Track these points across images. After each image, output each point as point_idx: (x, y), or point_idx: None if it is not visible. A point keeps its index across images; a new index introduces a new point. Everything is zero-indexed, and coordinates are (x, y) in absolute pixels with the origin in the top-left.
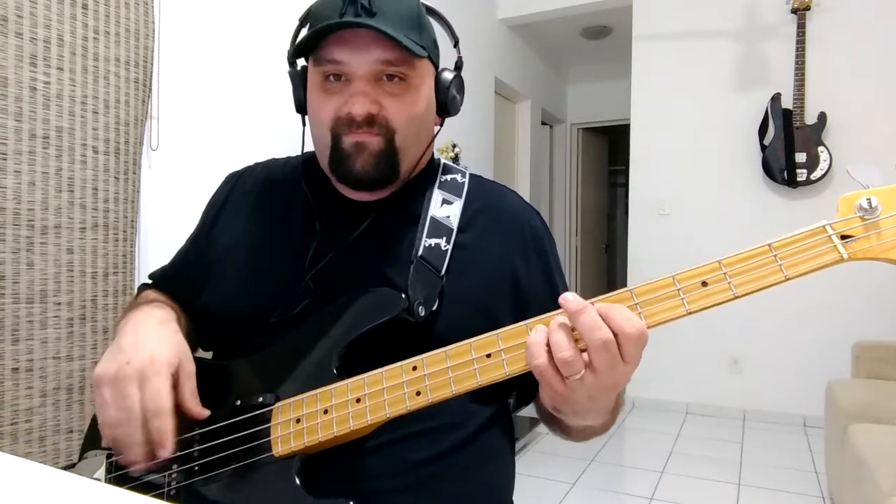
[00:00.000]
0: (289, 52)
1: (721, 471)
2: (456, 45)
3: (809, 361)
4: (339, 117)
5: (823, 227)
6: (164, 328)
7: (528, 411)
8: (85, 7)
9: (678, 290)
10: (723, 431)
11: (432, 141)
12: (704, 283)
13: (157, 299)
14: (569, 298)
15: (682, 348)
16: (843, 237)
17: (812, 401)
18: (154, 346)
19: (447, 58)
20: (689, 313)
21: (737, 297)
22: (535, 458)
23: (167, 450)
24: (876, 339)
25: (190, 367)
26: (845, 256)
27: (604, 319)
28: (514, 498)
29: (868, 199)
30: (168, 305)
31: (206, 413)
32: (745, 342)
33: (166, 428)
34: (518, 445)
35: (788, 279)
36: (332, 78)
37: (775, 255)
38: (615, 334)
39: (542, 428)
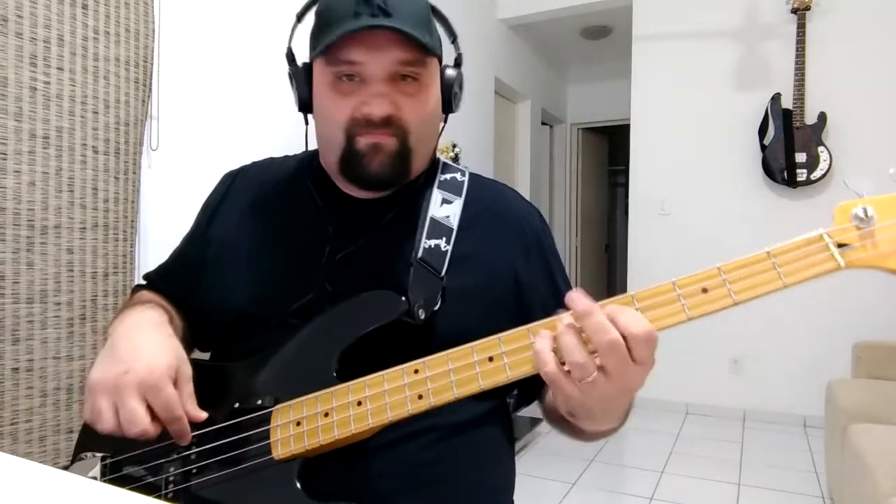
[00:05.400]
0: (288, 48)
1: (721, 471)
2: (454, 41)
3: (809, 361)
4: (356, 118)
5: (821, 235)
6: (158, 332)
7: (529, 411)
8: (85, 7)
9: (678, 295)
10: (723, 431)
11: (437, 139)
12: (705, 290)
13: (151, 300)
14: (575, 299)
15: (682, 348)
16: (840, 245)
17: (812, 401)
18: (152, 353)
19: (446, 55)
20: (690, 319)
21: (736, 304)
22: (535, 458)
23: (186, 441)
24: (876, 339)
25: (187, 371)
26: (842, 265)
27: (611, 321)
28: (514, 498)
29: (864, 209)
30: (161, 306)
31: (203, 416)
32: (745, 342)
33: (184, 429)
34: (518, 445)
35: (787, 286)
36: (344, 78)
37: (774, 263)
38: (623, 336)
39: (542, 428)
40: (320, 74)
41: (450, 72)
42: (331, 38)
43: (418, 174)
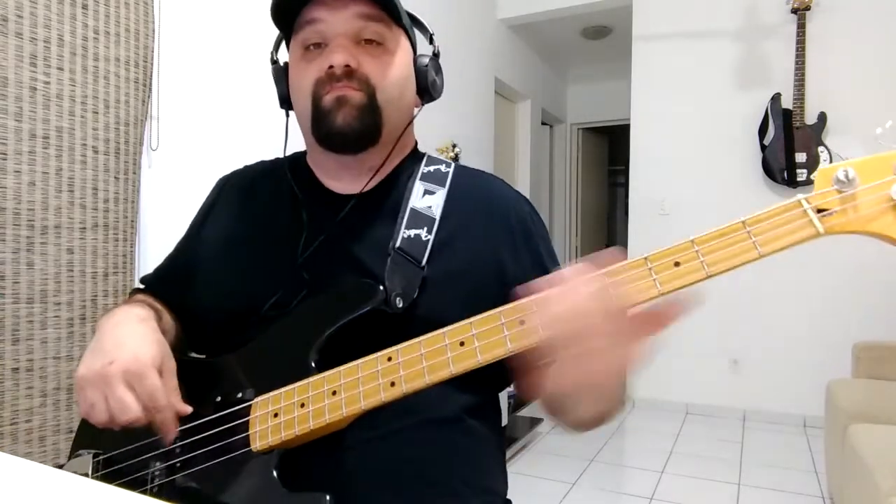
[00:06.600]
0: (271, 53)
1: (721, 471)
2: (431, 41)
3: (809, 361)
4: (319, 77)
5: (799, 201)
6: (143, 325)
7: (529, 411)
8: (85, 7)
9: (650, 269)
10: (723, 431)
11: (411, 121)
12: (677, 263)
13: (141, 300)
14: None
15: (682, 348)
16: (820, 211)
17: (812, 401)
18: (136, 344)
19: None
20: (661, 294)
21: (710, 277)
22: (534, 458)
23: (171, 436)
24: (876, 339)
25: (171, 364)
26: (821, 231)
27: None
28: (514, 498)
29: (845, 171)
30: (150, 305)
31: (188, 409)
32: (745, 342)
33: (168, 420)
34: (518, 445)
35: (762, 256)
36: (311, 47)
37: (749, 232)
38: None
39: (542, 428)
40: (293, 52)
41: (422, 58)
42: None
43: (391, 144)
